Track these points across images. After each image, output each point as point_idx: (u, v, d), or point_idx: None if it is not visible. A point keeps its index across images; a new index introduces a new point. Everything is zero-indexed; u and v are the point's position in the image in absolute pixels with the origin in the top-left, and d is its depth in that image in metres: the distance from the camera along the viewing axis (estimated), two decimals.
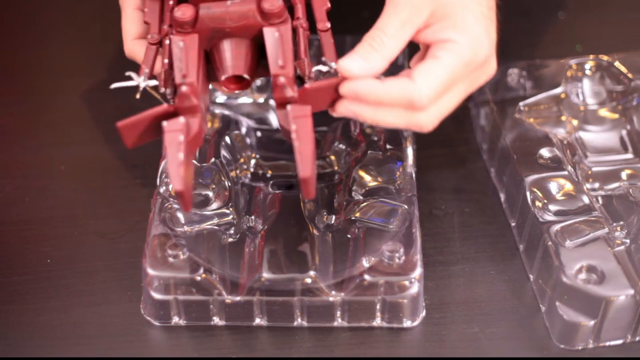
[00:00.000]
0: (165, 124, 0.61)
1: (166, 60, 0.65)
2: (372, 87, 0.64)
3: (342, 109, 0.65)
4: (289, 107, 0.62)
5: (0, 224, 0.77)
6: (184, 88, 0.62)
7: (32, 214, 0.78)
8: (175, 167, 0.59)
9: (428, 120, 0.66)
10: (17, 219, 0.78)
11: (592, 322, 0.67)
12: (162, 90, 0.65)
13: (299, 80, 0.65)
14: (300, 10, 0.67)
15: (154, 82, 0.65)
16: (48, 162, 0.83)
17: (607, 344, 0.69)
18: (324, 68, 0.65)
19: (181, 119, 0.61)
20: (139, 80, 0.65)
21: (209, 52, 0.66)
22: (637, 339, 0.69)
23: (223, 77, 0.65)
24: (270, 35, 0.64)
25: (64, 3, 0.99)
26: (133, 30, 0.70)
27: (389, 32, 0.64)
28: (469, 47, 0.65)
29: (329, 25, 0.67)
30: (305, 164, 0.59)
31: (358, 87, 0.64)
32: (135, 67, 0.66)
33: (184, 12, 0.64)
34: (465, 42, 0.65)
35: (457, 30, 0.65)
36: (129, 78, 0.65)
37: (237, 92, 0.66)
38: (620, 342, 0.69)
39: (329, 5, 0.68)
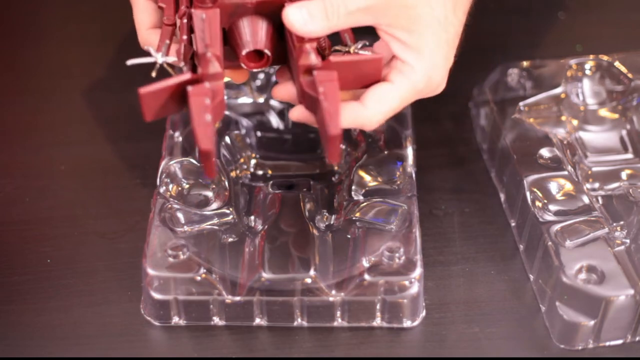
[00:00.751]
0: (190, 88, 0.61)
1: (185, 37, 0.65)
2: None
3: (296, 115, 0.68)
4: (315, 72, 0.63)
5: (0, 224, 0.77)
6: (209, 54, 0.62)
7: (32, 214, 0.78)
8: (202, 128, 0.59)
9: (372, 123, 0.67)
10: (17, 219, 0.78)
11: (592, 322, 0.67)
12: (181, 64, 0.65)
13: (320, 52, 0.66)
14: None
15: (172, 58, 0.65)
16: (48, 162, 0.83)
17: (607, 344, 0.69)
18: (343, 49, 0.66)
19: (207, 84, 0.62)
20: (157, 56, 0.65)
21: (227, 31, 0.66)
22: (637, 339, 0.69)
23: (244, 52, 0.65)
24: None
25: (64, 3, 0.99)
26: (147, 20, 0.70)
27: (351, 7, 0.64)
28: (424, 75, 0.66)
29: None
30: (335, 121, 0.60)
31: (308, 117, 0.66)
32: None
33: None
34: (421, 70, 0.66)
35: (417, 55, 0.65)
36: (147, 54, 0.65)
37: (255, 69, 0.66)
38: (620, 342, 0.69)
39: None
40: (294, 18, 0.64)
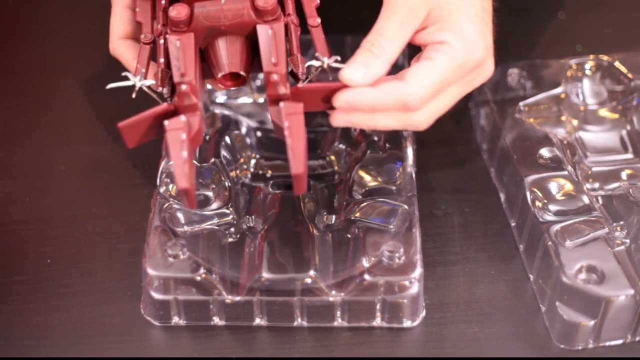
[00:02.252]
0: (166, 122, 0.62)
1: (162, 60, 0.65)
2: (365, 95, 0.64)
3: (338, 121, 0.65)
4: (281, 104, 0.63)
5: (0, 224, 0.77)
6: (183, 87, 0.63)
7: (32, 214, 0.78)
8: (180, 166, 0.60)
9: (422, 119, 0.66)
10: (17, 219, 0.78)
11: (592, 322, 0.67)
12: (160, 89, 0.65)
13: (292, 76, 0.66)
14: (290, 7, 0.68)
15: (150, 82, 0.65)
16: (48, 162, 0.83)
17: (607, 344, 0.69)
18: (316, 63, 0.65)
19: (182, 118, 0.62)
20: (135, 80, 0.65)
21: (204, 50, 0.67)
22: (637, 339, 0.69)
23: (220, 75, 0.65)
24: (264, 32, 0.65)
25: (64, 3, 0.99)
26: (120, 29, 0.70)
27: (388, 35, 0.65)
28: (463, 50, 0.65)
29: (319, 20, 0.67)
30: (298, 161, 0.60)
31: (351, 98, 0.64)
32: (120, 66, 0.67)
33: (179, 12, 0.65)
34: (458, 44, 0.65)
35: (451, 32, 0.65)
36: (125, 78, 0.65)
37: (233, 88, 0.67)
38: (620, 342, 0.69)
39: (317, 1, 0.69)
40: (355, 78, 0.64)
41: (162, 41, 0.66)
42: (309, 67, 0.66)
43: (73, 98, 0.88)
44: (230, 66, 0.65)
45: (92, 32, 0.96)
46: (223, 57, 0.66)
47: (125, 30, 0.70)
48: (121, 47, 0.69)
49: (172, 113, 0.63)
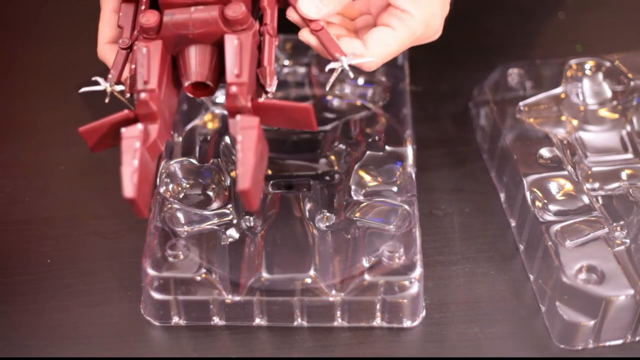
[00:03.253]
0: (123, 130, 0.61)
1: (133, 66, 0.65)
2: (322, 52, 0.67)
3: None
4: (237, 117, 0.62)
5: (0, 224, 0.77)
6: (142, 95, 0.62)
7: (32, 214, 0.78)
8: (129, 174, 0.60)
9: (371, 65, 0.68)
10: (17, 219, 0.78)
11: (592, 322, 0.67)
12: (128, 95, 0.65)
13: (262, 88, 0.65)
14: (268, 16, 0.67)
15: (120, 87, 0.66)
16: (48, 162, 0.83)
17: (607, 344, 0.69)
18: (336, 65, 0.65)
19: (139, 126, 0.62)
20: (106, 85, 0.65)
21: (176, 58, 0.66)
22: (637, 339, 0.69)
23: (186, 84, 0.65)
24: (230, 42, 0.64)
25: (64, 3, 0.99)
26: (107, 33, 0.70)
27: None
28: (422, 23, 0.67)
29: (322, 24, 0.67)
30: (245, 176, 0.59)
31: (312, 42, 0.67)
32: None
33: (148, 19, 0.65)
34: (421, 17, 0.67)
35: (415, 2, 0.67)
36: (97, 83, 0.65)
37: (201, 98, 0.67)
38: (620, 342, 0.69)
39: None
40: (309, 11, 0.65)
41: (136, 48, 0.66)
42: (331, 70, 0.66)
43: (73, 98, 0.88)
44: (196, 75, 0.65)
45: (92, 32, 0.95)
46: (190, 66, 0.65)
47: (112, 35, 0.70)
48: (108, 51, 0.70)
49: (133, 121, 0.62)
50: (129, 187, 0.59)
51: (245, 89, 0.62)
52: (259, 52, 0.66)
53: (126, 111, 0.63)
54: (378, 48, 0.67)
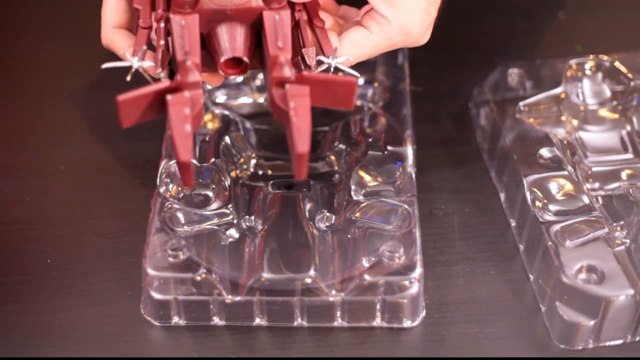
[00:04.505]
0: (169, 97, 0.60)
1: (162, 42, 0.64)
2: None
3: None
4: (287, 86, 0.62)
5: (0, 224, 0.77)
6: (189, 62, 0.62)
7: (32, 214, 0.78)
8: (182, 139, 0.59)
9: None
10: (17, 219, 0.78)
11: (592, 322, 0.67)
12: (159, 70, 0.64)
13: (303, 67, 0.65)
14: (299, 4, 0.68)
15: (149, 63, 0.64)
16: (48, 162, 0.83)
17: (607, 344, 0.69)
18: (325, 60, 0.66)
19: (186, 93, 0.61)
20: (133, 61, 0.64)
21: (205, 37, 0.66)
22: (637, 339, 0.69)
23: (222, 59, 0.64)
24: (270, 18, 0.64)
25: (64, 2, 0.99)
26: (114, 18, 0.69)
27: None
28: (400, 30, 0.68)
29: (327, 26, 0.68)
30: (303, 139, 0.59)
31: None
32: (113, 57, 0.66)
33: None
34: (397, 25, 0.67)
35: (394, 10, 0.67)
36: (122, 59, 0.64)
37: (233, 77, 0.66)
38: (620, 342, 0.69)
39: (320, 4, 0.69)
40: None
41: (162, 25, 0.65)
42: (318, 61, 0.66)
43: (73, 98, 0.88)
44: (233, 51, 0.64)
45: (92, 32, 0.95)
46: (226, 41, 0.65)
47: (119, 20, 0.69)
48: (115, 35, 0.69)
49: (175, 90, 0.61)
50: (184, 150, 0.58)
51: (289, 61, 0.63)
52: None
53: (168, 81, 0.62)
54: (351, 48, 0.68)
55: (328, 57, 0.66)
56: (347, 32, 0.68)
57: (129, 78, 0.64)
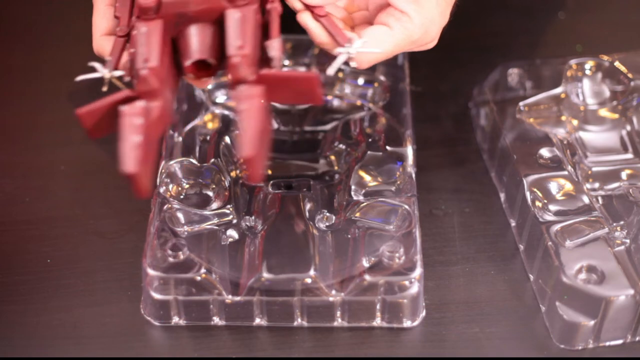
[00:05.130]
0: (124, 107, 0.60)
1: (133, 50, 0.64)
2: (321, 38, 0.67)
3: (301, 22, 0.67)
4: (240, 86, 0.60)
5: (0, 224, 0.77)
6: (143, 71, 0.61)
7: (32, 214, 0.78)
8: (129, 149, 0.58)
9: (362, 62, 0.68)
10: (17, 219, 0.78)
11: (592, 322, 0.67)
12: (128, 79, 0.63)
13: (267, 64, 0.63)
14: None
15: (119, 73, 0.64)
16: (48, 162, 0.83)
17: (607, 344, 0.69)
18: (343, 50, 0.65)
19: (140, 103, 0.60)
20: (104, 72, 0.64)
21: (176, 40, 0.65)
22: (637, 339, 0.69)
23: (187, 62, 0.63)
24: (232, 16, 0.63)
25: (64, 3, 0.99)
26: (103, 25, 0.69)
27: None
28: (421, 28, 0.67)
29: (326, 10, 0.67)
30: (248, 143, 0.58)
31: (312, 34, 0.67)
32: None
33: None
34: (419, 22, 0.67)
35: (417, 8, 0.67)
36: (94, 70, 0.64)
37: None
38: (620, 342, 0.69)
39: None
40: None
41: (135, 32, 0.64)
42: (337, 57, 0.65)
43: (73, 98, 0.88)
44: (197, 53, 0.63)
45: (91, 32, 0.96)
46: (191, 44, 0.63)
47: (108, 27, 0.69)
48: (105, 42, 0.68)
49: (134, 100, 0.61)
50: (129, 161, 0.57)
51: (248, 60, 0.61)
52: (260, 31, 0.64)
53: (127, 90, 0.61)
54: (374, 45, 0.67)
55: (341, 46, 0.64)
56: (366, 30, 0.67)
57: (104, 89, 0.64)
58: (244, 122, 0.59)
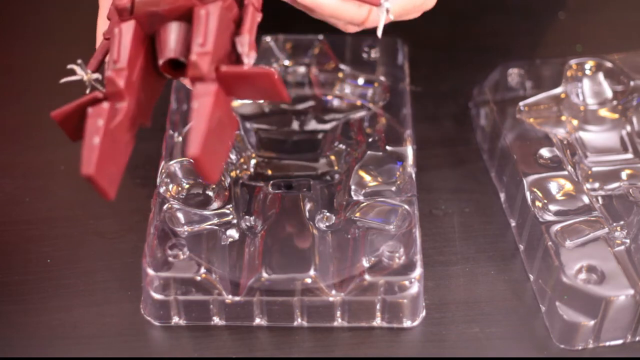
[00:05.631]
0: (90, 109, 0.59)
1: None
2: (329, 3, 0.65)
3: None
4: (196, 84, 0.59)
5: (0, 224, 0.77)
6: (109, 73, 0.60)
7: (32, 214, 0.78)
8: (88, 151, 0.58)
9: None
10: (17, 219, 0.78)
11: (592, 322, 0.67)
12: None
13: (240, 61, 0.62)
14: None
15: (95, 75, 0.64)
16: (48, 162, 0.83)
17: (607, 344, 0.69)
18: (380, 8, 0.64)
19: (105, 104, 0.59)
20: (82, 74, 0.64)
21: (154, 40, 0.64)
22: (637, 339, 0.69)
23: (160, 62, 0.62)
24: (197, 13, 0.61)
25: (64, 2, 0.99)
26: (105, 28, 0.69)
27: None
28: None
29: None
30: (195, 141, 0.56)
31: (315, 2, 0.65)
32: None
33: None
34: None
35: None
36: (73, 72, 0.64)
37: (182, 79, 0.64)
38: (620, 342, 0.69)
39: None
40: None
41: None
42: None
43: (73, 98, 0.88)
44: (169, 52, 0.62)
45: (92, 32, 0.95)
46: (163, 43, 0.62)
47: None
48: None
49: (101, 102, 0.60)
50: (87, 164, 0.57)
51: (208, 58, 0.59)
52: (235, 27, 0.63)
53: (95, 92, 0.61)
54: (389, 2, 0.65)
55: (379, 4, 0.64)
56: None
57: (88, 91, 0.64)
58: (195, 121, 0.58)
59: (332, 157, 0.79)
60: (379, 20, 0.65)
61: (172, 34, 0.62)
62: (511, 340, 0.69)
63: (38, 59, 0.93)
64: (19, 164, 0.82)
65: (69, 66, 0.64)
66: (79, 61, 0.65)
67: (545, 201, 0.73)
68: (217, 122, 0.58)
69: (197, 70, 0.59)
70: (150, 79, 0.64)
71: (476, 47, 0.93)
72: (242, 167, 0.78)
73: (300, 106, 0.83)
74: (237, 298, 0.68)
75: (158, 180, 0.74)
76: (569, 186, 0.74)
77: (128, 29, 0.62)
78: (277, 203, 0.74)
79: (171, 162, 0.75)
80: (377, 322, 0.70)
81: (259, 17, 0.64)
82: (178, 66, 0.63)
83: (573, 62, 0.82)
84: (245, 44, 0.62)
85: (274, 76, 0.60)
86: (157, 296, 0.69)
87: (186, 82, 0.66)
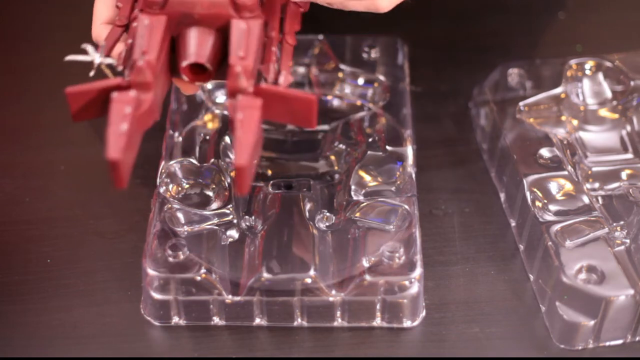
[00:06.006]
0: (115, 94, 0.59)
1: (130, 40, 0.63)
2: None
3: None
4: (239, 96, 0.60)
5: (0, 224, 0.77)
6: (140, 62, 0.60)
7: (32, 214, 0.78)
8: (115, 137, 0.58)
9: (385, 5, 0.67)
10: (17, 219, 0.78)
11: (592, 322, 0.67)
12: (120, 68, 0.63)
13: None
14: (287, 26, 0.66)
15: (110, 60, 0.64)
16: (48, 162, 0.83)
17: (607, 344, 0.69)
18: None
19: (132, 92, 0.60)
20: (95, 56, 0.63)
21: (175, 40, 0.64)
22: (637, 339, 0.69)
23: (183, 64, 0.63)
24: (237, 26, 0.62)
25: (64, 3, 0.99)
26: (104, 14, 0.69)
27: None
28: None
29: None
30: (243, 153, 0.57)
31: None
32: None
33: None
34: None
35: None
36: (85, 52, 0.63)
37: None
38: (620, 342, 0.69)
39: (298, 27, 0.68)
40: None
41: (135, 24, 0.64)
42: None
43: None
44: (195, 56, 0.62)
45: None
46: (190, 46, 0.63)
47: (109, 15, 0.69)
48: (104, 31, 0.68)
49: (125, 89, 0.60)
50: (114, 148, 0.57)
51: (248, 71, 0.61)
52: (262, 48, 0.64)
53: (119, 78, 0.61)
54: None
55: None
56: None
57: (91, 74, 0.63)
58: (239, 132, 0.58)
59: (332, 157, 0.79)
60: None
61: (201, 39, 0.63)
62: (511, 340, 0.70)
63: (38, 59, 0.93)
64: (19, 164, 0.82)
65: (83, 45, 0.64)
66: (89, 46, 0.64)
67: (545, 201, 0.73)
68: (259, 135, 0.59)
69: (239, 81, 0.60)
70: (164, 76, 0.64)
71: (476, 47, 0.93)
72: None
73: None
74: (237, 298, 0.68)
75: (158, 180, 0.74)
76: (569, 186, 0.74)
77: (159, 23, 0.62)
78: (277, 203, 0.74)
79: (171, 162, 0.75)
80: (377, 322, 0.70)
81: (290, 50, 0.66)
82: (196, 71, 0.63)
83: (573, 62, 0.82)
84: (269, 72, 0.63)
85: (314, 103, 0.61)
86: (157, 296, 0.69)
87: (187, 87, 0.66)
